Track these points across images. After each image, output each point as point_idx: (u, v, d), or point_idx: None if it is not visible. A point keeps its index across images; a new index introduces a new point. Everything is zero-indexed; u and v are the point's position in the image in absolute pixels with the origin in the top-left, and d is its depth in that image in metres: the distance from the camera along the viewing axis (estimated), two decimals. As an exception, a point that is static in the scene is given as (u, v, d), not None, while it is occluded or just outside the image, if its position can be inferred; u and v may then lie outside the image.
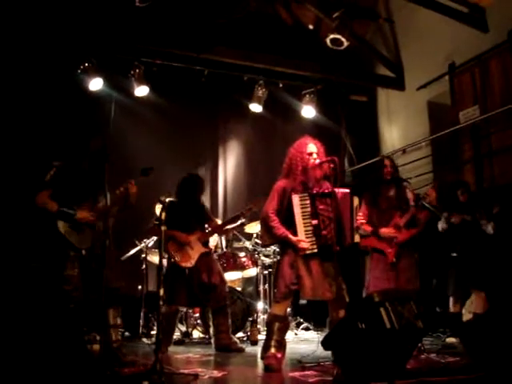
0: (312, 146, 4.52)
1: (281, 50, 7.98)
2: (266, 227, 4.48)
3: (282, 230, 4.37)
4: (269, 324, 4.48)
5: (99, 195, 4.36)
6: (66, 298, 4.08)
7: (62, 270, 4.14)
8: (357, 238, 4.53)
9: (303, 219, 4.37)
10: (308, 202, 4.38)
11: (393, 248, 5.06)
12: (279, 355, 4.34)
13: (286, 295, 4.41)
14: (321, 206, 4.39)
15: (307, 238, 4.33)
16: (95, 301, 4.13)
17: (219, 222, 6.17)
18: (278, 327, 4.38)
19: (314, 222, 4.36)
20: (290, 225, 4.39)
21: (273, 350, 4.33)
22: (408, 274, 5.03)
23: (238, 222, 5.82)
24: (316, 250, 4.33)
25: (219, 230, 5.83)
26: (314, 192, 4.43)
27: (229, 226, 5.83)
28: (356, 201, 4.52)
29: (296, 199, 4.38)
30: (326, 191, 4.43)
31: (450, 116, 7.61)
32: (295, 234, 4.35)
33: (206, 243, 5.59)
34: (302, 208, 4.37)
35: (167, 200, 5.52)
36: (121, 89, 7.43)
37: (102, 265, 4.02)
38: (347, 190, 4.52)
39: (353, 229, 4.42)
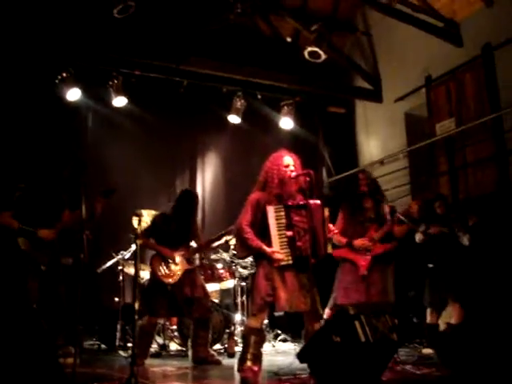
0: (288, 159, 4.54)
1: (259, 61, 8.02)
2: (241, 239, 4.48)
3: (256, 242, 4.36)
4: (245, 337, 4.46)
5: (62, 212, 4.50)
6: (30, 311, 4.10)
7: (24, 284, 4.22)
8: (329, 249, 4.55)
9: (278, 231, 4.36)
10: (283, 213, 4.38)
11: (366, 261, 5.07)
12: (256, 368, 4.32)
13: (262, 307, 4.39)
14: (296, 218, 4.40)
15: (282, 249, 4.33)
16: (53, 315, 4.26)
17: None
18: (254, 340, 4.36)
19: (289, 233, 4.36)
20: (265, 237, 4.38)
21: (249, 363, 4.30)
22: (379, 287, 5.02)
23: (223, 240, 5.79)
24: (291, 262, 4.33)
25: (205, 247, 5.80)
26: (289, 204, 4.44)
27: (214, 244, 5.80)
28: (326, 212, 4.54)
29: (271, 211, 4.38)
30: (301, 203, 4.45)
31: (426, 128, 7.72)
32: (270, 245, 4.34)
33: (189, 260, 5.55)
34: (277, 219, 4.38)
35: (159, 213, 5.57)
36: (99, 99, 7.41)
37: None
38: (318, 202, 4.54)
39: (326, 240, 4.44)
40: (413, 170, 8.05)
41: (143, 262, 6.29)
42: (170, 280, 5.30)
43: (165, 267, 5.33)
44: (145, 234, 5.26)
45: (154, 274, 5.38)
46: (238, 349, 5.59)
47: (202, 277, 6.37)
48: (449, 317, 5.79)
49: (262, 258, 4.41)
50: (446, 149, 7.33)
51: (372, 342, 3.63)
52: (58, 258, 4.57)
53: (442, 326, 5.81)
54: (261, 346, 4.47)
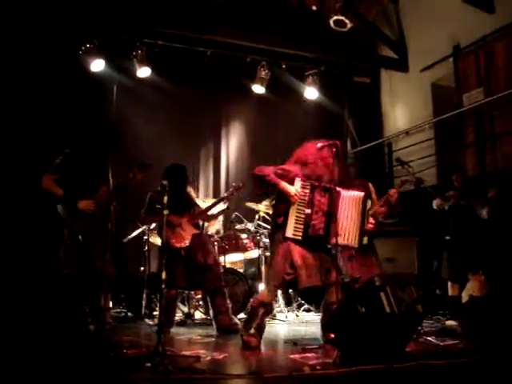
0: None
1: (284, 30, 7.91)
2: (258, 178, 4.57)
3: (272, 177, 4.47)
4: (254, 308, 4.59)
5: (101, 182, 4.43)
6: (63, 280, 4.17)
7: (56, 253, 4.24)
8: (365, 241, 4.61)
9: (298, 205, 4.45)
10: (308, 190, 4.46)
11: None
12: (258, 337, 4.50)
13: (279, 286, 4.62)
14: (318, 198, 4.48)
15: (296, 224, 4.42)
16: (86, 285, 4.28)
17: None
18: (262, 312, 4.54)
19: (308, 211, 4.44)
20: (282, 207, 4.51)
21: (252, 331, 4.48)
22: (373, 260, 5.24)
23: (222, 207, 5.91)
24: (300, 238, 4.42)
25: (204, 215, 5.82)
26: (316, 184, 4.49)
27: (212, 211, 5.84)
28: (369, 203, 4.63)
29: (298, 184, 4.43)
30: (327, 186, 4.49)
31: (453, 98, 7.57)
32: (286, 218, 4.44)
33: (196, 225, 5.65)
34: (300, 194, 4.44)
35: (153, 191, 5.61)
36: (123, 70, 7.41)
37: (93, 250, 4.18)
38: (360, 194, 4.59)
39: (362, 231, 4.52)
40: (439, 141, 7.94)
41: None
42: (182, 244, 5.40)
43: (174, 233, 5.40)
44: (147, 213, 5.43)
45: (166, 242, 5.43)
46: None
47: (227, 246, 6.45)
48: (472, 289, 5.77)
49: (278, 232, 4.51)
50: (474, 120, 7.19)
51: (397, 313, 3.64)
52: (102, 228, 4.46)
53: (464, 299, 5.80)
54: (266, 317, 4.64)
